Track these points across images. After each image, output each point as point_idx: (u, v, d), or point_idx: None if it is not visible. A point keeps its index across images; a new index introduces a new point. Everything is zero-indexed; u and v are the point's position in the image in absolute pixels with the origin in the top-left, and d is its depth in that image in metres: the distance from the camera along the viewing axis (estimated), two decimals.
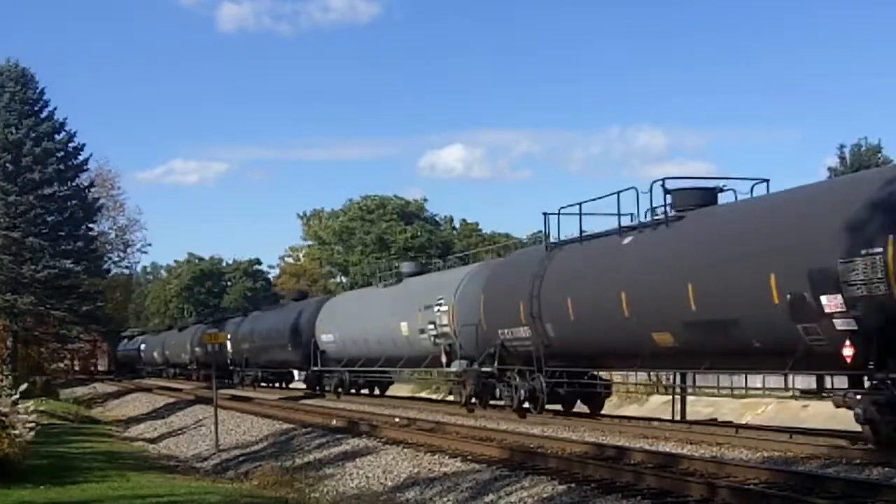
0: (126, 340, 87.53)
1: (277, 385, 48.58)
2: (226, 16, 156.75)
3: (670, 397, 25.16)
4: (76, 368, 67.41)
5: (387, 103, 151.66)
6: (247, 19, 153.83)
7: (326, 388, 38.35)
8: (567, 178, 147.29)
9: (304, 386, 42.71)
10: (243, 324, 51.44)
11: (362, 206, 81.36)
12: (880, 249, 13.40)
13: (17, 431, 16.09)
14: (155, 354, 74.96)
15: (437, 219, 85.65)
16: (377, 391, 38.85)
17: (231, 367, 51.43)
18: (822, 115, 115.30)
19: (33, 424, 16.94)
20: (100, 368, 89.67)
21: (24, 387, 19.20)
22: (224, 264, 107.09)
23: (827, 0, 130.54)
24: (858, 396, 14.13)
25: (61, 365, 54.14)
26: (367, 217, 79.69)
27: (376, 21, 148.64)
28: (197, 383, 56.14)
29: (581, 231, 21.97)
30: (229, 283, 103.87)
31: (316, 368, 38.31)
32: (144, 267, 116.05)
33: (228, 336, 49.03)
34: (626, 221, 20.52)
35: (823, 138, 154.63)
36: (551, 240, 23.41)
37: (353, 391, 37.36)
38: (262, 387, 48.27)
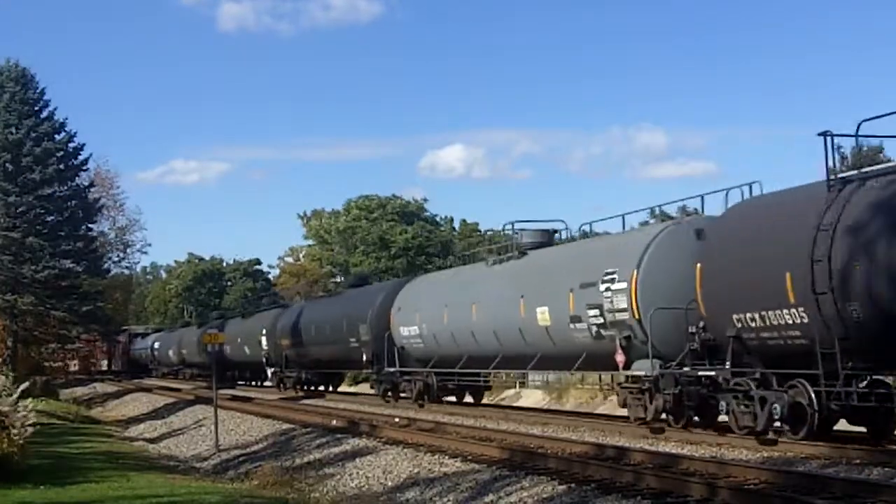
0: (138, 338, 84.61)
1: (323, 388, 41.83)
2: (226, 15, 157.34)
3: None
4: (75, 368, 67.16)
5: (387, 103, 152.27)
6: (247, 18, 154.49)
7: (403, 395, 30.76)
8: (567, 178, 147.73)
9: (372, 391, 35.20)
10: (282, 317, 43.97)
11: (362, 205, 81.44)
12: None
13: (16, 431, 16.09)
14: (170, 353, 70.04)
15: (437, 219, 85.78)
16: (468, 399, 30.27)
17: (268, 368, 46.53)
18: (822, 115, 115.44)
19: (32, 422, 16.94)
20: (103, 368, 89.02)
21: (24, 386, 19.20)
22: (224, 264, 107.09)
23: (827, 0, 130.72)
24: None
25: (62, 364, 53.97)
26: (369, 217, 79.77)
27: (377, 20, 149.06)
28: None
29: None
30: (229, 284, 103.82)
31: (393, 369, 30.42)
32: (144, 267, 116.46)
33: (263, 331, 45.81)
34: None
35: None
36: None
37: (436, 398, 29.39)
38: (306, 391, 41.57)
